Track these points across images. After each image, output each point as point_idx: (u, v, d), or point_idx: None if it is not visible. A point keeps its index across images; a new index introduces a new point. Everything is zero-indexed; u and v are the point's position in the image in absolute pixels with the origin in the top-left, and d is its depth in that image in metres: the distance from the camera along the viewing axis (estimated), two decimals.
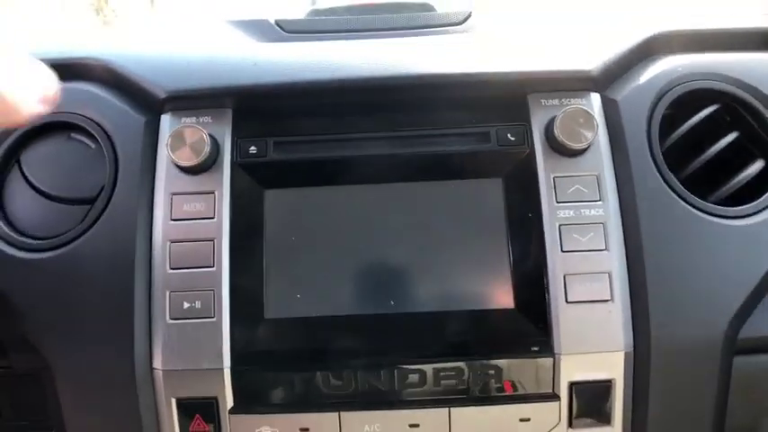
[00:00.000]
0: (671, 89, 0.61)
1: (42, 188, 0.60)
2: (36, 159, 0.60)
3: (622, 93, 0.60)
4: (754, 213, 0.57)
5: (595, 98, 0.60)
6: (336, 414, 0.54)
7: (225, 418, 0.55)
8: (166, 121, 0.60)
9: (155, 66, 0.62)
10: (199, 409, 0.55)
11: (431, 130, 0.60)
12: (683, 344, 0.55)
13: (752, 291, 0.55)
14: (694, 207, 0.57)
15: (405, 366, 0.55)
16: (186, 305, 0.55)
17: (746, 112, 0.61)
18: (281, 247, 0.57)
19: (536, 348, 0.55)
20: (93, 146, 0.61)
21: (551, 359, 0.55)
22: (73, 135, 0.61)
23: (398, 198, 0.58)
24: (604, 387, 0.55)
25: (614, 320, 0.55)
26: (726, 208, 0.57)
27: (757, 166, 0.59)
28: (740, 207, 0.58)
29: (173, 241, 0.57)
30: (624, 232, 0.56)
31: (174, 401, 0.55)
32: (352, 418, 0.55)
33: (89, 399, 0.56)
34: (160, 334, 0.55)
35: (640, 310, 0.55)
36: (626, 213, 0.56)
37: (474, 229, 0.57)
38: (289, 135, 0.60)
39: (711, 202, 0.58)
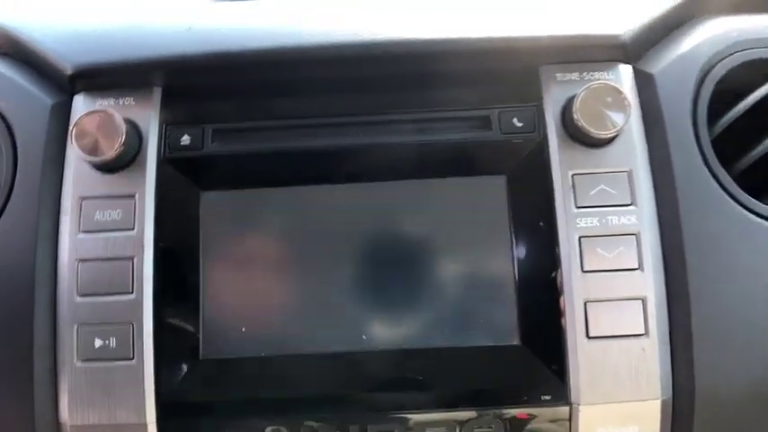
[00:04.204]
0: (721, 59, 0.53)
1: None
2: None
3: (660, 64, 0.53)
4: None
5: (625, 71, 0.53)
6: None
7: None
8: (79, 103, 0.53)
9: (64, 34, 0.54)
10: None
11: (412, 114, 0.52)
12: (738, 391, 0.48)
13: None
14: (755, 214, 0.49)
15: (374, 419, 0.48)
16: (99, 343, 0.48)
17: None
18: (222, 267, 0.51)
19: (547, 397, 0.48)
20: None
21: (567, 410, 0.48)
22: None
23: (372, 203, 0.52)
24: None
25: (649, 360, 0.47)
26: None
27: None
28: None
29: (82, 260, 0.49)
30: (663, 247, 0.49)
31: None
32: None
33: None
34: (67, 379, 0.48)
35: (682, 347, 0.48)
36: (665, 222, 0.49)
37: (468, 241, 0.51)
38: (233, 121, 0.52)
39: None
